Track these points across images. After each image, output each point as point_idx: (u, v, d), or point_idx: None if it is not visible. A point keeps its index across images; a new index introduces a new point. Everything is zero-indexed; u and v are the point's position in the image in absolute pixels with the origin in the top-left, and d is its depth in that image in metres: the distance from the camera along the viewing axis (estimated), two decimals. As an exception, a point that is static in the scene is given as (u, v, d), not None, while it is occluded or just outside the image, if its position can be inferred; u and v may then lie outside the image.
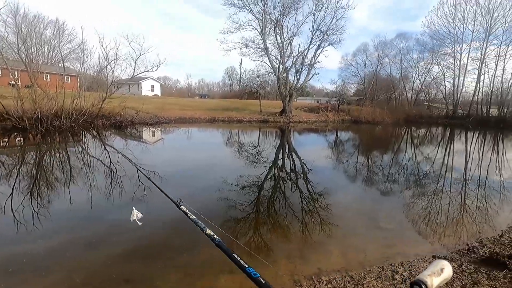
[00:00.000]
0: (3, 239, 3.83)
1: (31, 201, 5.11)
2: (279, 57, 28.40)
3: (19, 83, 16.31)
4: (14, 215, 4.44)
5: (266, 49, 27.69)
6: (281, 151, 12.70)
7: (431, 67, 38.43)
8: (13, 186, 5.90)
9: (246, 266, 0.99)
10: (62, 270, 3.11)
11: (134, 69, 18.35)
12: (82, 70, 20.94)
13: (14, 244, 3.68)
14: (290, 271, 3.20)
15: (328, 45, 28.22)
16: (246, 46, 27.93)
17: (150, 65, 19.04)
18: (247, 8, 26.22)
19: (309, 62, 28.75)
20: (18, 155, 9.32)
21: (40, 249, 3.53)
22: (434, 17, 44.71)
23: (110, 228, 4.28)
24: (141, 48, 17.96)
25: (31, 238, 3.81)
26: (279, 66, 28.51)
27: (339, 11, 26.87)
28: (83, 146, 11.44)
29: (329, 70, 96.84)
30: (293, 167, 9.16)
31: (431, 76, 39.24)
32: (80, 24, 68.06)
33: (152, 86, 48.22)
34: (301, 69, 28.99)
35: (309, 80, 29.94)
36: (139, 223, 2.01)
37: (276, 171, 8.64)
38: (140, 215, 2.05)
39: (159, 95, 47.72)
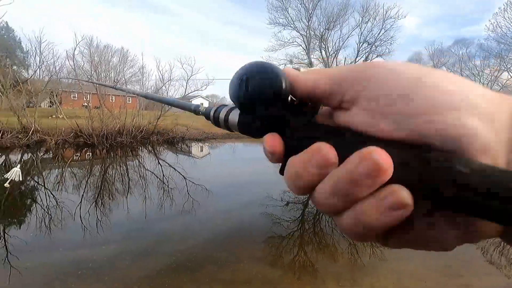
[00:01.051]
0: (73, 243, 4.28)
1: (96, 210, 5.68)
2: (325, 70, 28.10)
3: (91, 104, 18.71)
4: (82, 222, 4.97)
5: (310, 64, 27.67)
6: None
7: (498, 74, 34.23)
8: (81, 196, 6.65)
9: None
10: (116, 277, 3.34)
11: (186, 89, 19.78)
12: (142, 91, 23.23)
13: (81, 249, 4.10)
14: None
15: (376, 56, 27.15)
16: (291, 62, 28.27)
17: (200, 84, 20.28)
18: (292, 25, 26.74)
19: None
20: (87, 167, 10.54)
21: (101, 255, 3.87)
22: (500, 20, 40.37)
23: (161, 238, 4.52)
24: (192, 69, 19.36)
25: (94, 244, 4.21)
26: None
27: (388, 21, 25.85)
28: (140, 160, 12.48)
29: None
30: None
31: (499, 84, 34.89)
32: (140, 50, 76.53)
33: (201, 104, 50.96)
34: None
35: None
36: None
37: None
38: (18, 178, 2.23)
39: (208, 112, 50.24)
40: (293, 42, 27.32)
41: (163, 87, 19.54)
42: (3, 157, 12.05)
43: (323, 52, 27.41)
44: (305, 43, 27.02)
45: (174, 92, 22.46)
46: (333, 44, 27.89)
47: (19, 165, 2.01)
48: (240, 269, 3.48)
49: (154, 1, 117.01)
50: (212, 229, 4.86)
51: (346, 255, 3.95)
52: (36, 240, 4.32)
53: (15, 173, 2.04)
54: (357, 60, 27.42)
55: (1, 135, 13.81)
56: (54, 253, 3.94)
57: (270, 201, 6.37)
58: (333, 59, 27.69)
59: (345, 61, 28.01)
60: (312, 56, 27.50)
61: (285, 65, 28.49)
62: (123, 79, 24.85)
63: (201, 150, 16.85)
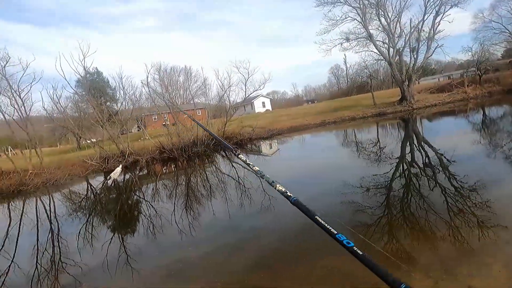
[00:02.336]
0: (174, 245, 4.90)
1: (187, 215, 6.36)
2: (387, 41, 25.36)
3: (168, 122, 21.04)
4: (178, 226, 5.63)
5: (370, 37, 25.32)
6: (407, 144, 11.08)
7: None
8: (174, 204, 7.53)
9: (335, 232, 0.87)
10: (208, 275, 3.68)
11: (245, 91, 20.44)
12: (207, 102, 25.03)
13: (180, 249, 4.65)
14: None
15: (451, 7, 23.18)
16: (347, 39, 26.38)
17: (258, 84, 20.67)
18: (341, 1, 24.93)
19: (427, 35, 24.33)
20: (174, 178, 11.88)
21: (197, 253, 4.32)
22: None
23: (244, 236, 4.79)
24: (248, 72, 19.89)
25: (190, 244, 4.73)
26: (388, 50, 25.37)
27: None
28: (216, 165, 13.46)
29: (458, 37, 74.70)
30: (427, 161, 7.79)
31: None
32: (200, 65, 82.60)
33: (263, 103, 52.16)
34: (418, 46, 24.81)
35: (430, 56, 25.15)
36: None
37: (405, 167, 7.57)
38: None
39: (270, 109, 51.01)
40: (346, 18, 25.44)
41: (225, 94, 20.64)
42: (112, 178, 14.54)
43: (383, 20, 24.73)
44: (360, 16, 24.85)
45: (235, 97, 23.44)
46: (393, 8, 24.89)
47: (120, 165, 2.46)
48: (322, 264, 3.43)
49: (204, 18, 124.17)
50: (291, 223, 4.90)
51: (444, 240, 3.49)
52: (146, 245, 5.08)
53: (117, 172, 2.48)
54: (425, 18, 23.92)
55: (107, 161, 16.71)
56: (161, 255, 4.57)
57: (348, 188, 6.09)
58: (396, 24, 24.72)
59: (410, 23, 24.71)
60: (370, 27, 25.12)
61: (341, 44, 26.74)
62: (190, 94, 27.13)
63: (270, 147, 17.17)
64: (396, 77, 25.17)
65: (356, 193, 5.73)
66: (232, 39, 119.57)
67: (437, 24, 23.71)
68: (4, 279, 4.59)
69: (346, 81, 64.56)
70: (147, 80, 19.71)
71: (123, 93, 19.66)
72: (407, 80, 24.83)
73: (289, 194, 1.13)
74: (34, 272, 4.65)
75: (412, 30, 24.59)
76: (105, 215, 7.90)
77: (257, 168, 1.39)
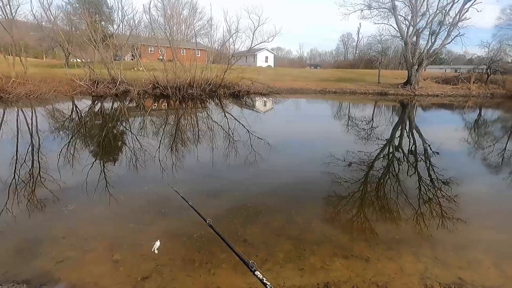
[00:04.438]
0: (153, 181, 4.99)
1: (171, 155, 6.40)
2: (409, 17, 23.99)
3: (165, 57, 20.02)
4: (160, 164, 5.69)
5: (393, 8, 23.78)
6: (399, 128, 11.19)
7: None
8: (159, 141, 7.52)
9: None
10: (189, 213, 3.83)
11: (252, 40, 19.37)
12: (209, 45, 23.71)
13: (159, 185, 4.75)
14: (419, 272, 2.76)
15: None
16: (369, 7, 24.72)
17: (266, 36, 19.58)
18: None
19: (451, 20, 23.07)
20: (163, 117, 11.72)
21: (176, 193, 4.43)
22: None
23: (226, 184, 4.92)
24: (259, 19, 18.69)
25: (169, 182, 4.83)
26: (408, 28, 24.15)
27: None
28: (208, 112, 13.28)
29: (480, 30, 71.25)
30: (412, 148, 7.96)
31: None
32: (209, 1, 76.17)
33: (266, 57, 50.08)
34: (439, 30, 23.66)
35: (448, 43, 24.16)
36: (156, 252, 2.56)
37: (390, 150, 7.73)
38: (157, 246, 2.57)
39: (272, 65, 49.25)
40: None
41: (230, 39, 19.51)
42: (99, 104, 14.18)
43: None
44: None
45: (241, 44, 22.27)
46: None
47: (158, 241, 2.56)
48: (308, 228, 3.62)
49: None
50: (273, 182, 5.05)
51: (410, 222, 3.73)
52: (126, 176, 5.16)
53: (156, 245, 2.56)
54: (455, 0, 22.40)
55: (97, 84, 16.10)
56: (140, 188, 4.68)
57: (331, 159, 6.22)
58: (423, 1, 23.12)
59: (438, 3, 23.16)
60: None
61: (361, 11, 25.09)
62: (193, 31, 25.50)
63: (265, 105, 16.95)
64: (408, 58, 24.38)
65: (338, 166, 5.87)
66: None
67: (466, 10, 22.38)
68: (-19, 182, 4.63)
69: (354, 53, 62.25)
70: (149, 6, 18.17)
71: (121, 14, 18.24)
72: (417, 64, 24.15)
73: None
74: (12, 181, 4.69)
75: (438, 11, 23.19)
76: (89, 140, 7.84)
77: None
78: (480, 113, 16.90)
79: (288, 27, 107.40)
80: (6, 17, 15.33)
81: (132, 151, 6.58)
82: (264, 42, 20.33)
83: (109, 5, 30.09)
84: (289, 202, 4.24)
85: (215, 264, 2.79)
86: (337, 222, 3.73)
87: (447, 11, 22.97)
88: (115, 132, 8.76)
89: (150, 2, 22.22)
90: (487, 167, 6.53)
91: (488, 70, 26.84)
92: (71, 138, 7.77)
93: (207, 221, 2.02)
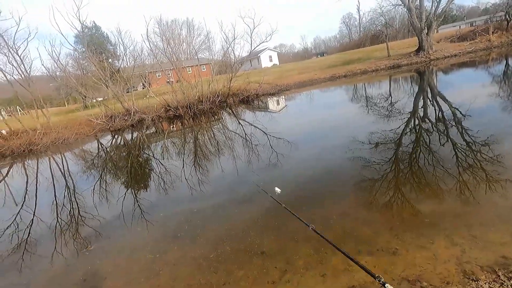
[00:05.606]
0: (186, 200, 5.07)
1: (196, 171, 6.49)
2: (407, -18, 22.98)
3: (172, 79, 20.55)
4: (187, 182, 5.78)
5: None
6: (421, 98, 10.66)
7: None
8: (183, 161, 7.66)
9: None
10: (222, 222, 3.83)
11: (251, 43, 19.41)
12: (211, 57, 24.08)
13: (191, 203, 4.82)
14: (455, 256, 2.45)
15: None
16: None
17: (264, 36, 19.56)
18: None
19: (452, -26, 21.81)
20: (181, 136, 11.97)
21: (208, 205, 4.48)
22: None
23: (253, 190, 4.89)
24: (253, 22, 18.78)
25: (200, 198, 4.88)
26: (408, -6, 23.13)
27: None
28: (222, 123, 13.40)
29: None
30: (440, 115, 7.53)
31: None
32: (203, 16, 77.82)
33: (270, 57, 49.96)
34: (442, -13, 22.45)
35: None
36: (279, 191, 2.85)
37: (416, 122, 7.37)
38: (279, 191, 2.91)
39: (278, 63, 49.03)
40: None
41: (229, 48, 19.67)
42: (119, 137, 14.76)
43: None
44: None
45: (241, 50, 22.42)
46: None
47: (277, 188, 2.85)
48: (333, 223, 3.51)
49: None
50: (299, 179, 4.96)
51: (447, 196, 3.46)
52: (158, 200, 5.28)
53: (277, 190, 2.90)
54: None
55: (113, 119, 16.81)
56: (173, 208, 4.77)
57: (357, 144, 6.02)
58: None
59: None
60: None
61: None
62: (194, 49, 26.05)
63: (278, 104, 16.85)
64: (415, 24, 23.30)
65: (364, 149, 5.67)
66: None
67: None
68: (29, 231, 4.93)
69: (359, 32, 60.67)
70: (147, 34, 18.82)
71: (123, 48, 19.00)
72: (426, 28, 23.01)
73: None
74: (56, 225, 4.96)
75: (436, -32, 22.03)
76: (117, 172, 8.16)
77: None
78: (507, 62, 15.73)
79: (286, 23, 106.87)
80: (22, 76, 16.44)
81: (159, 175, 6.75)
82: (263, 42, 20.29)
83: (112, 42, 31.50)
84: (309, 200, 4.12)
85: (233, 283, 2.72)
86: (362, 213, 3.53)
87: (446, -34, 21.79)
88: (140, 160, 9.05)
89: (147, 29, 22.92)
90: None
91: (507, 16, 24.97)
92: (101, 174, 8.12)
93: (310, 227, 2.11)
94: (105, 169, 8.81)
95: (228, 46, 19.55)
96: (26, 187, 8.04)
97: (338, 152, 5.95)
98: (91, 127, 16.40)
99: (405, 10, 24.52)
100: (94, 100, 20.14)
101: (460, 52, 22.93)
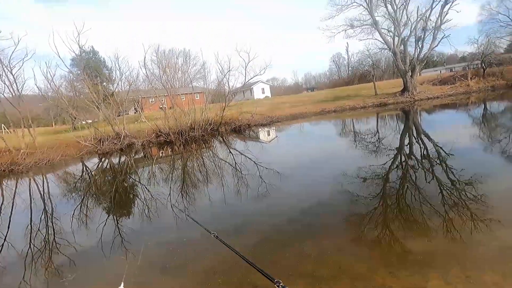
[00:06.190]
0: (169, 229, 4.88)
1: (183, 199, 6.33)
2: (392, 29, 24.86)
3: (166, 106, 20.75)
4: (173, 210, 5.61)
5: (375, 24, 24.76)
6: (406, 135, 11.04)
7: None
8: (170, 188, 7.49)
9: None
10: (210, 253, 3.67)
11: (245, 76, 20.09)
12: (206, 86, 24.65)
13: (174, 233, 4.63)
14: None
15: (459, -4, 22.49)
16: (352, 26, 25.81)
17: (258, 69, 20.29)
18: (348, -15, 24.17)
19: (434, 24, 23.80)
20: (170, 163, 11.82)
21: (192, 236, 4.30)
22: None
23: (240, 220, 4.77)
24: (248, 56, 19.48)
25: (185, 227, 4.71)
26: (393, 39, 24.92)
27: None
28: (213, 151, 13.38)
29: (464, 28, 72.86)
30: (424, 153, 7.76)
31: None
32: (200, 47, 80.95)
33: (263, 89, 51.55)
34: (424, 35, 24.32)
35: (436, 46, 24.66)
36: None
37: (403, 159, 7.55)
38: None
39: (270, 96, 50.49)
40: (351, 3, 24.74)
41: (224, 78, 20.27)
42: (107, 160, 14.45)
43: (389, 7, 24.08)
44: (366, 1, 24.20)
45: (235, 82, 23.11)
46: (401, -6, 24.13)
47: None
48: (323, 260, 3.42)
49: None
50: (287, 211, 4.89)
51: (437, 234, 3.46)
52: (141, 228, 5.06)
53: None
54: (433, 6, 23.29)
55: (102, 142, 16.56)
56: (156, 238, 4.56)
57: (346, 178, 6.06)
58: (402, 12, 24.10)
59: (417, 11, 24.09)
60: (376, 14, 24.48)
61: (345, 31, 26.16)
62: (189, 78, 26.69)
63: (268, 135, 17.08)
64: (400, 67, 24.84)
65: (352, 183, 5.70)
66: (236, 21, 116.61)
67: (445, 13, 23.15)
68: (-3, 258, 4.57)
69: (347, 70, 63.92)
70: (144, 61, 19.29)
71: (120, 73, 19.27)
72: (410, 70, 24.52)
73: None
74: (28, 251, 4.63)
75: (419, 18, 24.05)
76: (100, 197, 7.86)
77: None
78: (485, 106, 16.70)
79: (279, 58, 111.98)
80: (13, 94, 16.32)
81: (144, 202, 6.54)
82: (257, 75, 21.06)
83: (108, 66, 32.03)
84: (301, 233, 4.04)
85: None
86: (353, 249, 3.47)
87: (427, 17, 23.81)
88: (125, 185, 8.80)
89: (145, 57, 23.59)
90: (508, 159, 6.26)
91: (483, 64, 27.00)
92: (83, 199, 7.80)
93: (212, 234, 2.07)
94: (87, 193, 8.49)
95: (223, 76, 20.17)
96: (0, 209, 7.61)
97: (328, 185, 5.97)
98: (79, 149, 16.04)
99: (391, 53, 26.23)
100: (84, 122, 19.93)
101: (442, 95, 24.31)
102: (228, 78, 20.31)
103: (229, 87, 20.98)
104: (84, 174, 11.81)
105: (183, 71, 43.34)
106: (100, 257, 4.13)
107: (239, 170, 8.35)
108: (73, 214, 6.25)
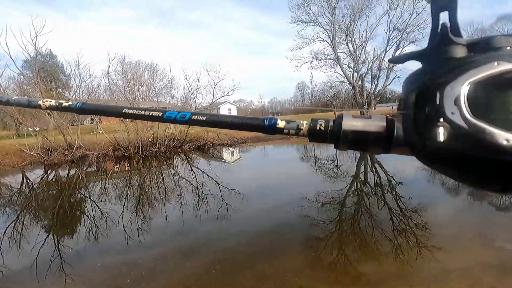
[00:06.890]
0: (117, 251, 4.49)
1: (136, 218, 5.93)
2: (352, 65, 27.22)
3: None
4: (125, 230, 5.21)
5: (337, 59, 26.91)
6: (362, 164, 11.76)
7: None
8: (123, 205, 6.99)
9: None
10: (164, 275, 3.43)
11: (213, 95, 20.20)
12: (171, 102, 24.18)
13: (126, 254, 4.28)
14: None
15: (409, 43, 25.67)
16: (316, 59, 27.73)
17: (226, 90, 20.58)
18: (315, 21, 26.26)
19: (387, 65, 26.59)
20: (126, 178, 11.12)
21: (145, 258, 4.00)
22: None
23: (198, 240, 4.58)
24: (218, 76, 19.76)
25: (137, 249, 4.38)
26: (353, 74, 27.23)
27: (419, 4, 24.35)
28: (174, 168, 12.92)
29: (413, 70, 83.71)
30: (378, 181, 8.31)
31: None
32: (168, 62, 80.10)
33: (229, 110, 51.94)
34: (379, 74, 27.01)
35: (388, 85, 27.52)
36: None
37: (358, 185, 7.99)
38: None
39: (236, 117, 50.72)
40: (317, 38, 26.81)
41: (191, 96, 20.14)
42: (53, 172, 13.14)
43: (350, 45, 26.53)
44: (330, 38, 26.37)
45: (202, 100, 23.02)
46: (360, 35, 26.87)
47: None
48: (283, 281, 3.40)
49: (181, 15, 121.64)
50: (247, 233, 4.83)
51: (390, 255, 3.70)
52: (86, 249, 4.59)
53: None
54: (387, 49, 26.14)
55: (50, 152, 15.10)
56: (102, 260, 4.15)
57: (305, 202, 6.21)
58: (361, 51, 26.67)
59: (374, 52, 26.86)
60: (338, 50, 26.72)
61: (310, 62, 28.00)
62: (154, 92, 26.04)
63: (232, 155, 17.04)
64: (358, 100, 26.98)
65: (312, 207, 5.86)
66: (205, 40, 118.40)
67: (397, 57, 26.01)
68: None
69: (311, 99, 67.52)
70: (107, 70, 18.49)
71: (79, 80, 18.16)
72: (367, 104, 26.71)
73: None
74: None
75: (375, 59, 26.75)
76: (41, 213, 7.05)
77: None
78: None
79: (248, 81, 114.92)
80: None
81: (92, 220, 5.99)
82: (224, 95, 21.32)
83: (66, 72, 30.09)
84: (261, 255, 4.01)
85: None
86: (312, 271, 3.57)
87: (382, 58, 26.55)
88: (72, 200, 8.02)
89: (109, 66, 22.62)
90: (447, 189, 6.96)
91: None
92: (19, 215, 6.91)
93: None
94: (25, 209, 7.56)
95: (190, 94, 20.03)
96: None
97: (288, 208, 6.04)
98: (21, 158, 14.40)
99: (350, 87, 28.47)
100: (30, 129, 18.11)
101: (393, 128, 26.61)
102: (196, 96, 20.25)
103: (195, 105, 20.85)
104: (23, 186, 10.56)
105: (148, 85, 42.25)
106: (31, 281, 3.63)
107: (200, 189, 8.13)
108: (5, 232, 5.49)
